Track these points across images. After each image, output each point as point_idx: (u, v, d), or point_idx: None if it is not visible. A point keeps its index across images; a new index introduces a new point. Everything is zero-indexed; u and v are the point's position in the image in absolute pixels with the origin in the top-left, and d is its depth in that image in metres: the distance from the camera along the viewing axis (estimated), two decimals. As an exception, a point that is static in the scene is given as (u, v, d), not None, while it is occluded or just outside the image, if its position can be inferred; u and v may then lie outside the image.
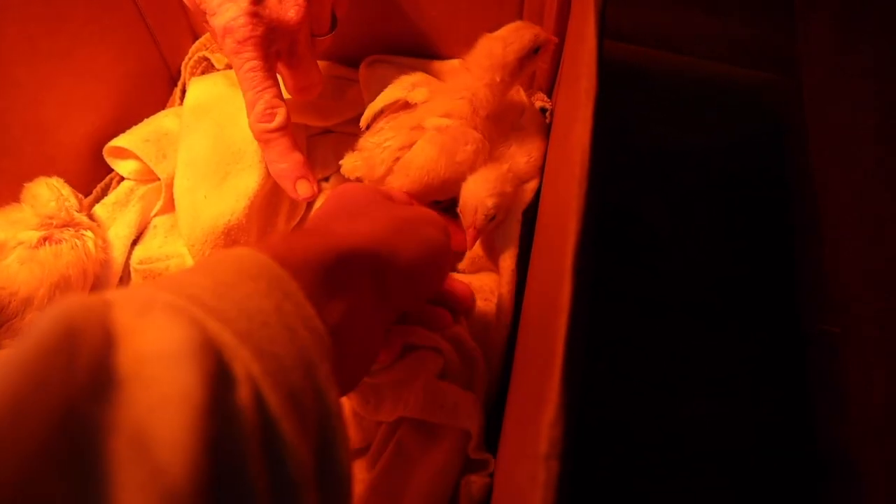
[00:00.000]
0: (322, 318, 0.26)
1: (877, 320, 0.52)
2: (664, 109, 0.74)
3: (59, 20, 0.53)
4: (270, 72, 0.48)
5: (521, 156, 0.54)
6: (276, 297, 0.24)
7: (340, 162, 0.56)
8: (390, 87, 0.55)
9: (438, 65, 0.63)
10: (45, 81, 0.52)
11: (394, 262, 0.34)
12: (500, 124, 0.55)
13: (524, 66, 0.52)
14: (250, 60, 0.47)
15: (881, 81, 0.57)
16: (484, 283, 0.53)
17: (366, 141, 0.54)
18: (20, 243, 0.47)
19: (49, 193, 0.49)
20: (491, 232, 0.53)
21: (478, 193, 0.49)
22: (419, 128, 0.53)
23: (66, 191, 0.51)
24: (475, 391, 0.46)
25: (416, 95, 0.54)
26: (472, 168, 0.52)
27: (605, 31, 0.39)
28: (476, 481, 0.41)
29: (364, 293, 0.31)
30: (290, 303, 0.24)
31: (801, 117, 0.71)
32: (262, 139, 0.49)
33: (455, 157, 0.51)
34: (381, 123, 0.55)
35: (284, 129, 0.49)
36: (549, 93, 0.64)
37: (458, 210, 0.51)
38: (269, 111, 0.48)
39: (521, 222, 0.53)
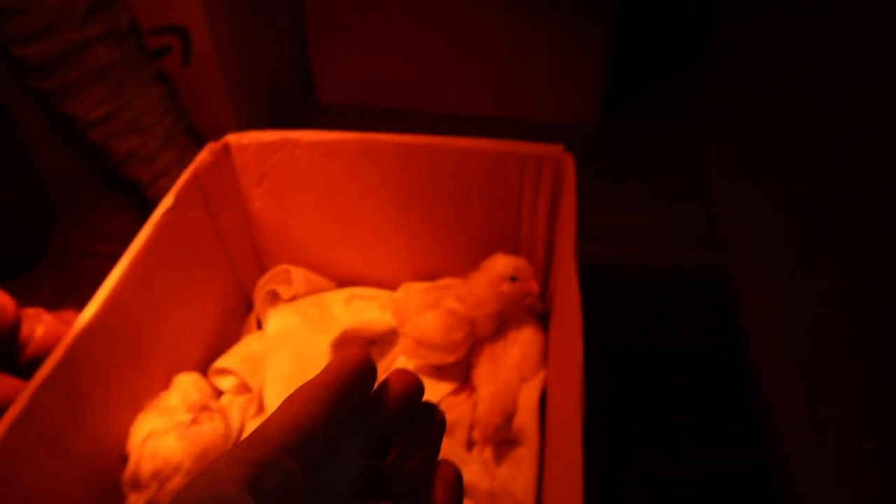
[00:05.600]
0: None
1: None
2: (622, 298, 0.94)
3: (188, 283, 0.73)
4: None
5: (524, 363, 0.75)
6: None
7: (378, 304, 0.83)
8: (440, 281, 0.83)
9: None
10: (178, 326, 0.71)
11: None
12: (496, 322, 0.77)
13: (505, 280, 0.74)
14: None
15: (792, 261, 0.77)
16: (514, 454, 0.71)
17: (406, 293, 0.79)
18: (178, 424, 0.65)
19: (192, 385, 0.69)
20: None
21: (489, 413, 0.70)
22: (441, 300, 0.75)
23: (203, 383, 0.70)
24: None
25: (450, 282, 0.81)
26: (458, 348, 0.75)
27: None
28: None
29: None
30: None
31: (733, 291, 0.91)
32: None
33: (448, 335, 0.74)
34: (419, 289, 0.80)
35: None
36: (542, 297, 0.84)
37: (476, 422, 0.71)
38: None
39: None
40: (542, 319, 0.81)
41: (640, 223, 1.06)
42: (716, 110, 1.10)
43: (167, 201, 0.69)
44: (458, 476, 0.30)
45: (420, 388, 0.30)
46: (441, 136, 0.74)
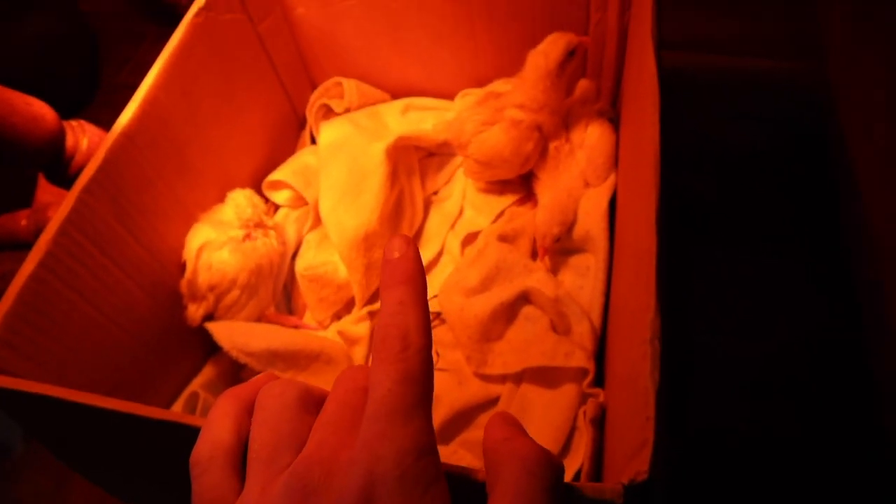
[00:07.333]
0: None
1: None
2: (712, 104, 0.85)
3: (231, 93, 0.69)
4: None
5: (590, 168, 0.69)
6: None
7: (432, 125, 0.74)
8: (489, 85, 0.75)
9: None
10: (225, 138, 0.68)
11: None
12: (561, 117, 0.71)
13: (564, 68, 0.67)
14: None
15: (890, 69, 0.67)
16: (580, 262, 0.67)
17: (459, 113, 0.72)
18: (231, 239, 0.63)
19: (246, 201, 0.66)
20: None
21: (547, 222, 0.66)
22: (500, 111, 0.69)
23: (257, 199, 0.67)
24: (584, 343, 0.59)
25: (501, 87, 0.73)
26: (529, 159, 0.69)
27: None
28: (591, 404, 0.53)
29: None
30: None
31: (829, 98, 0.81)
32: None
33: (519, 148, 0.68)
34: (471, 103, 0.73)
35: None
36: (613, 103, 0.77)
37: (534, 233, 0.68)
38: None
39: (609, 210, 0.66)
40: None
41: (723, 29, 0.94)
42: None
43: (199, 1, 0.63)
44: None
45: None
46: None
